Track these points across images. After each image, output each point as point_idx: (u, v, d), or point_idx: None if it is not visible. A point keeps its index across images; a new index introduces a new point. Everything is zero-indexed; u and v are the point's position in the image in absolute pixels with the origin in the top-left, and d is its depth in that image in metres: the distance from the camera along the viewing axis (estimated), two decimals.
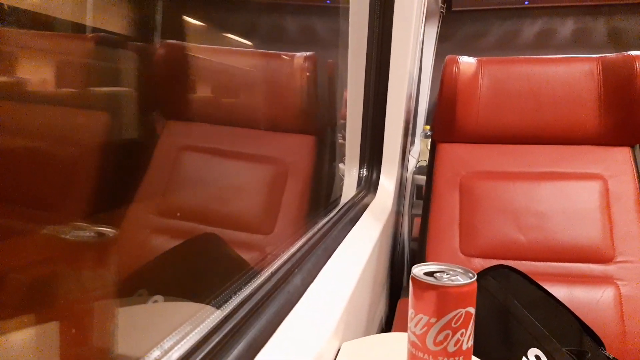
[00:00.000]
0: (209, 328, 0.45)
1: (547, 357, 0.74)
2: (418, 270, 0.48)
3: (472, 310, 0.45)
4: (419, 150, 2.84)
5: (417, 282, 0.46)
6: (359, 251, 0.84)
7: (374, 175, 1.27)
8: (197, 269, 0.83)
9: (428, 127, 3.01)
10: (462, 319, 0.44)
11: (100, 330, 0.44)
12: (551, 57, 1.28)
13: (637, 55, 1.16)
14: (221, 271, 0.84)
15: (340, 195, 1.24)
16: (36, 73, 0.51)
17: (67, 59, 0.57)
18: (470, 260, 1.14)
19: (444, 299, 0.44)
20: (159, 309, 0.61)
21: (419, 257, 1.22)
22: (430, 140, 1.39)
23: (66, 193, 0.62)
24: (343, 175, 1.30)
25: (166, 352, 0.40)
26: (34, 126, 0.50)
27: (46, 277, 0.44)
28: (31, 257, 0.44)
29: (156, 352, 0.40)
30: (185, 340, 0.42)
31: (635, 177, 1.16)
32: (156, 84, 1.02)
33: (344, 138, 1.31)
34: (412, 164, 2.53)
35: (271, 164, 1.24)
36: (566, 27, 3.47)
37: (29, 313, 0.42)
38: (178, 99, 1.17)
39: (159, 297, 0.62)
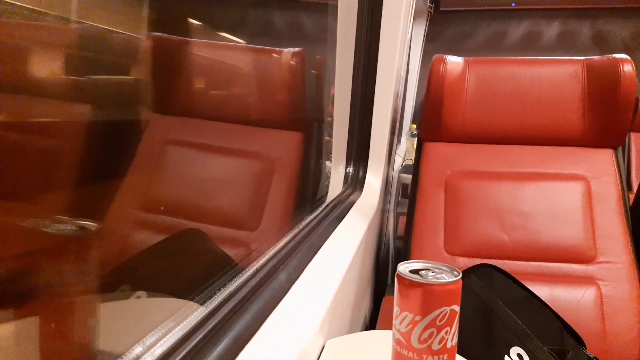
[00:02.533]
0: (193, 324, 0.44)
1: (529, 355, 0.75)
2: (403, 267, 0.48)
3: (456, 308, 0.45)
4: (405, 149, 2.85)
5: (403, 280, 0.46)
6: (345, 249, 0.84)
7: (361, 173, 1.27)
8: (181, 265, 0.83)
9: (415, 126, 3.03)
10: (446, 317, 0.44)
11: (81, 326, 0.43)
12: (537, 59, 1.29)
13: (621, 59, 1.18)
14: (205, 267, 0.83)
15: (327, 193, 1.24)
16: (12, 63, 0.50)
17: (45, 49, 0.56)
18: (455, 259, 1.14)
19: (429, 296, 0.44)
20: (142, 304, 0.60)
21: (403, 255, 1.22)
22: (416, 139, 1.39)
23: (47, 185, 0.60)
24: (329, 173, 1.30)
25: (148, 348, 0.40)
26: (12, 116, 0.49)
27: (26, 271, 0.43)
28: (10, 250, 0.43)
29: (138, 349, 0.39)
30: (168, 336, 0.42)
31: (617, 179, 1.18)
32: (143, 77, 1.01)
33: (330, 136, 1.31)
34: (398, 162, 2.54)
35: (257, 160, 1.23)
36: (552, 29, 3.51)
37: (8, 308, 0.41)
38: (164, 93, 1.16)
39: (142, 293, 0.61)
